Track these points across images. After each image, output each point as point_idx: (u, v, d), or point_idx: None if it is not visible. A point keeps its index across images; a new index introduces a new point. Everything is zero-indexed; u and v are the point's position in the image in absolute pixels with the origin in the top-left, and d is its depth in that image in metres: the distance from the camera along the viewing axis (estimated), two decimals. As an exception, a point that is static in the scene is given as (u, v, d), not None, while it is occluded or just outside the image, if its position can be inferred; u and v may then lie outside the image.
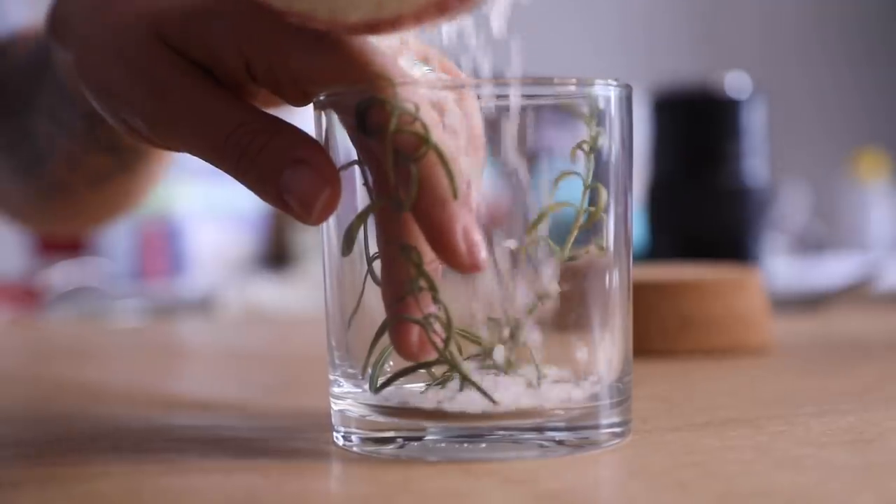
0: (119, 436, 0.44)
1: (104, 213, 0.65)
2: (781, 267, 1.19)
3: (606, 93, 0.38)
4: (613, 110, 0.38)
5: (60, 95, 0.52)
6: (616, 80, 0.38)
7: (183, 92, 0.38)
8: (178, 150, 0.41)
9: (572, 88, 0.38)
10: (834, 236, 2.07)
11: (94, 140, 0.53)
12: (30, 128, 0.57)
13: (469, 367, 0.37)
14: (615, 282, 0.39)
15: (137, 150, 0.54)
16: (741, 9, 2.82)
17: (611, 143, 0.38)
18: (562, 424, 0.37)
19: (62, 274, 1.18)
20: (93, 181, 0.57)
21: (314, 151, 0.37)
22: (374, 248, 0.38)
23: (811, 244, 1.74)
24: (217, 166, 0.38)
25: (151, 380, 0.59)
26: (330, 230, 0.39)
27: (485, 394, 0.36)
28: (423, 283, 0.36)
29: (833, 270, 1.18)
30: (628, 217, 0.39)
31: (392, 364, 0.38)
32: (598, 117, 0.38)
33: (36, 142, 0.57)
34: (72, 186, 0.58)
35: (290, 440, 0.41)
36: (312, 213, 0.36)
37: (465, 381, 0.36)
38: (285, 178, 0.36)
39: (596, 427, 0.38)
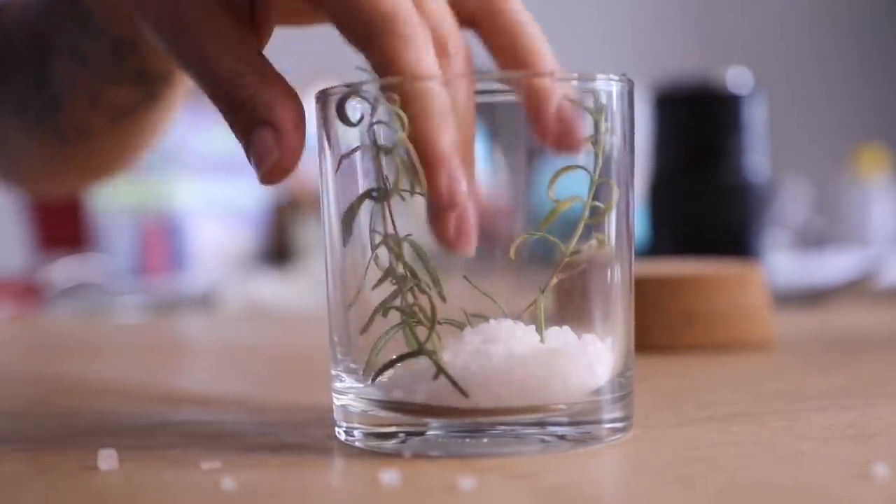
0: (121, 431, 0.44)
1: (122, 153, 0.63)
2: (782, 262, 1.19)
3: (609, 87, 0.38)
4: (615, 105, 0.38)
5: (82, 28, 0.53)
6: (619, 75, 0.38)
7: (201, 27, 0.41)
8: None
9: (575, 83, 0.38)
10: (835, 232, 2.07)
11: (119, 70, 0.53)
12: (46, 73, 0.57)
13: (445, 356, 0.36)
14: (617, 277, 0.39)
15: (165, 76, 0.55)
16: (742, 4, 2.81)
17: (613, 138, 0.38)
18: (564, 419, 0.37)
19: (63, 270, 1.18)
20: (115, 116, 0.57)
21: (287, 116, 0.39)
22: (376, 238, 0.38)
23: (812, 240, 1.74)
24: (213, 104, 0.41)
25: (153, 375, 0.59)
26: (332, 226, 0.39)
27: (457, 387, 0.36)
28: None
29: (834, 266, 1.18)
30: (630, 212, 0.39)
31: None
32: (601, 112, 0.38)
33: (52, 86, 0.57)
34: (91, 126, 0.58)
35: (292, 435, 0.41)
36: (259, 172, 0.39)
37: (441, 372, 0.36)
38: (253, 135, 0.39)
39: (598, 422, 0.38)
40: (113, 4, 0.50)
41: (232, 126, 0.40)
